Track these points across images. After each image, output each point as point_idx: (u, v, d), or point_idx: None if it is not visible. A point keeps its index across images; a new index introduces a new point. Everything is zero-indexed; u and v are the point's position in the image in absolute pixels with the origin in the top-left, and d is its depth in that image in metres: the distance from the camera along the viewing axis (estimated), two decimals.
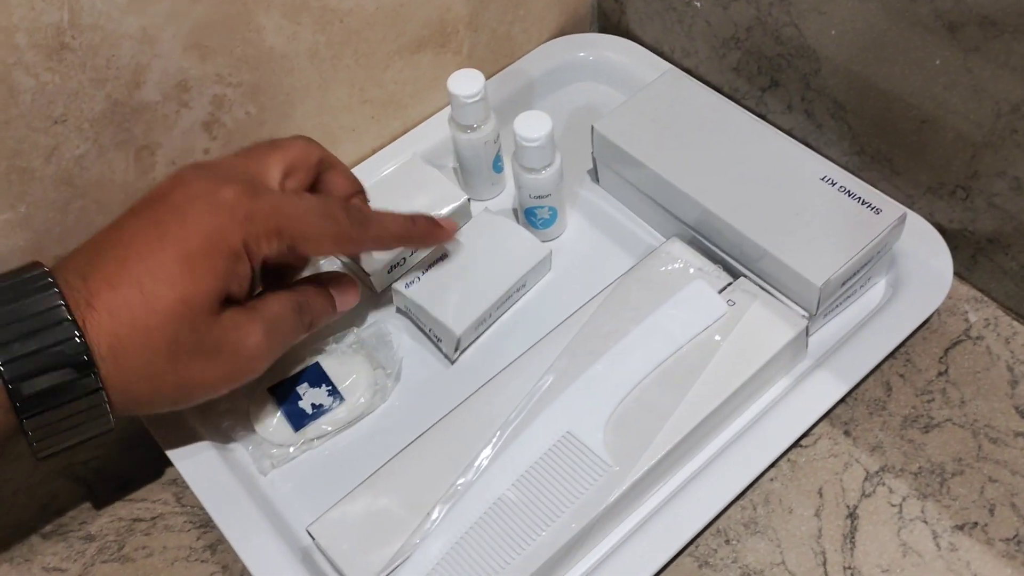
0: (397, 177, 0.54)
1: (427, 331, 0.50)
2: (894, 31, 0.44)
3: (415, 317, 0.51)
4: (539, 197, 0.51)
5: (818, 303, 0.45)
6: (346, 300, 0.46)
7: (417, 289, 0.49)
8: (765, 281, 0.47)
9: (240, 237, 0.38)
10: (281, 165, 0.42)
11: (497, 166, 0.54)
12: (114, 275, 0.37)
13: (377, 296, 0.52)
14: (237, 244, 0.38)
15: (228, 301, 0.40)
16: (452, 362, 0.49)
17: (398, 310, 0.52)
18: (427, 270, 0.49)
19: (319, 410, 0.47)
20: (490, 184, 0.55)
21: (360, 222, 0.43)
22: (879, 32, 0.45)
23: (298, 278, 0.46)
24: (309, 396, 0.47)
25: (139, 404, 0.39)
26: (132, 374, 0.37)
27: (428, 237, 0.47)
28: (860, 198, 0.46)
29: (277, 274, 0.45)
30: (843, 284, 0.45)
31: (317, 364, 0.48)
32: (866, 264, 0.46)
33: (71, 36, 0.41)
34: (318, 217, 0.41)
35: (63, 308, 0.35)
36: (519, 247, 0.51)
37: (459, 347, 0.49)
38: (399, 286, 0.49)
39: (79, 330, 0.35)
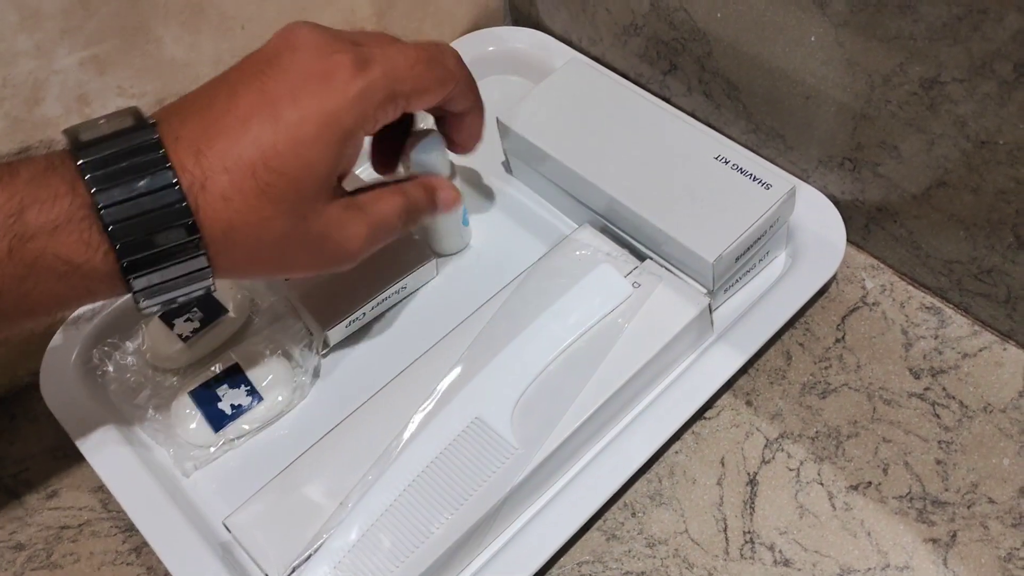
0: None
1: (305, 325, 0.51)
2: (770, 10, 0.46)
3: (296, 311, 0.52)
4: None
5: (713, 278, 0.46)
6: (447, 204, 0.48)
7: (296, 283, 0.50)
8: (668, 262, 0.49)
9: (354, 117, 0.38)
10: None
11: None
12: (228, 156, 0.36)
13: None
14: (351, 125, 0.38)
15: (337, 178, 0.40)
16: (322, 357, 0.51)
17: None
18: None
19: (238, 410, 0.48)
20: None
21: (459, 62, 0.44)
22: (758, 12, 0.46)
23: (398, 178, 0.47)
24: (228, 397, 0.48)
25: (237, 276, 0.40)
26: (238, 257, 0.38)
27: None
28: (752, 175, 0.47)
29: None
30: (738, 259, 0.47)
31: (236, 365, 0.49)
32: (760, 238, 0.47)
33: None
34: (425, 67, 0.41)
35: (178, 189, 0.35)
36: (404, 251, 0.52)
37: (327, 344, 0.50)
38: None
39: (192, 216, 0.35)
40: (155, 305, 0.38)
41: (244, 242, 0.37)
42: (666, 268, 0.48)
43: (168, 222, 0.35)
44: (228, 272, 0.38)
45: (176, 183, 0.35)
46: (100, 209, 0.34)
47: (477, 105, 0.46)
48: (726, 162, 0.48)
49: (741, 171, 0.48)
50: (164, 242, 0.35)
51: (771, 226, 0.47)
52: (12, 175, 0.34)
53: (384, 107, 0.39)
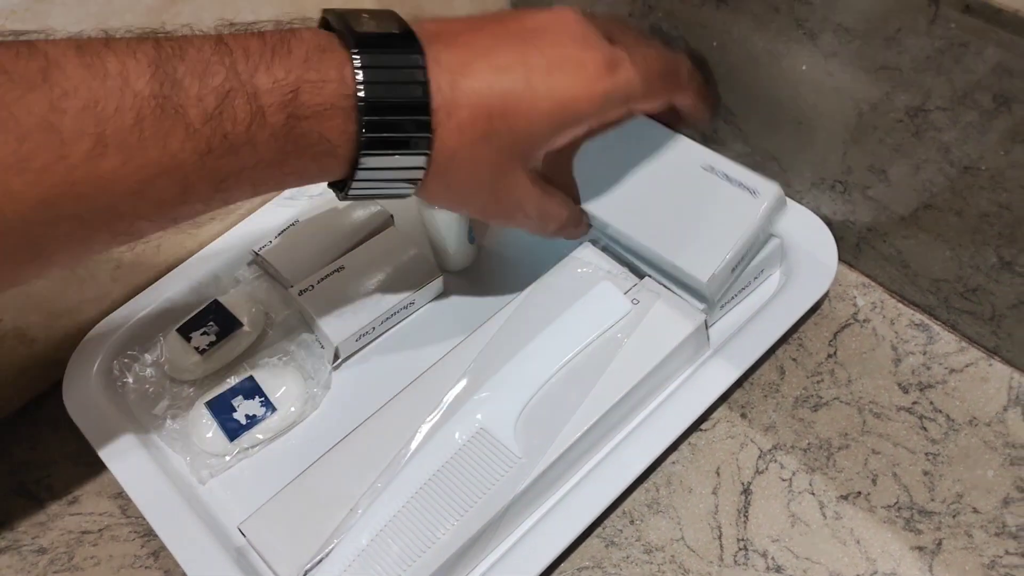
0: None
1: (317, 338, 0.53)
2: (764, 41, 0.48)
3: (308, 324, 0.54)
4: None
5: (708, 296, 0.48)
6: (574, 237, 0.52)
7: (309, 297, 0.52)
8: (666, 279, 0.51)
9: (589, 111, 0.41)
10: None
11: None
12: (476, 94, 0.39)
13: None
14: (584, 116, 0.41)
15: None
16: (333, 369, 0.53)
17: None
18: (322, 281, 0.53)
19: (253, 420, 0.50)
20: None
21: (691, 73, 0.48)
22: (752, 42, 0.48)
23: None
24: (243, 408, 0.51)
25: (429, 199, 0.43)
26: (445, 182, 0.41)
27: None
28: (739, 182, 0.49)
29: None
30: (733, 269, 0.48)
31: (251, 377, 0.51)
32: (752, 247, 0.48)
33: None
34: (661, 80, 0.45)
35: (428, 109, 0.38)
36: (412, 268, 0.54)
37: (338, 356, 0.52)
38: (293, 292, 0.52)
39: (431, 137, 0.38)
40: (357, 195, 0.40)
41: (455, 172, 0.40)
42: (664, 285, 0.50)
43: (409, 134, 0.38)
44: (426, 192, 0.42)
45: (429, 103, 0.38)
46: (362, 103, 0.36)
47: (698, 106, 0.49)
48: (713, 171, 0.50)
49: (728, 179, 0.49)
50: (396, 154, 0.38)
51: (759, 237, 0.49)
52: (287, 50, 0.35)
53: (617, 110, 0.43)
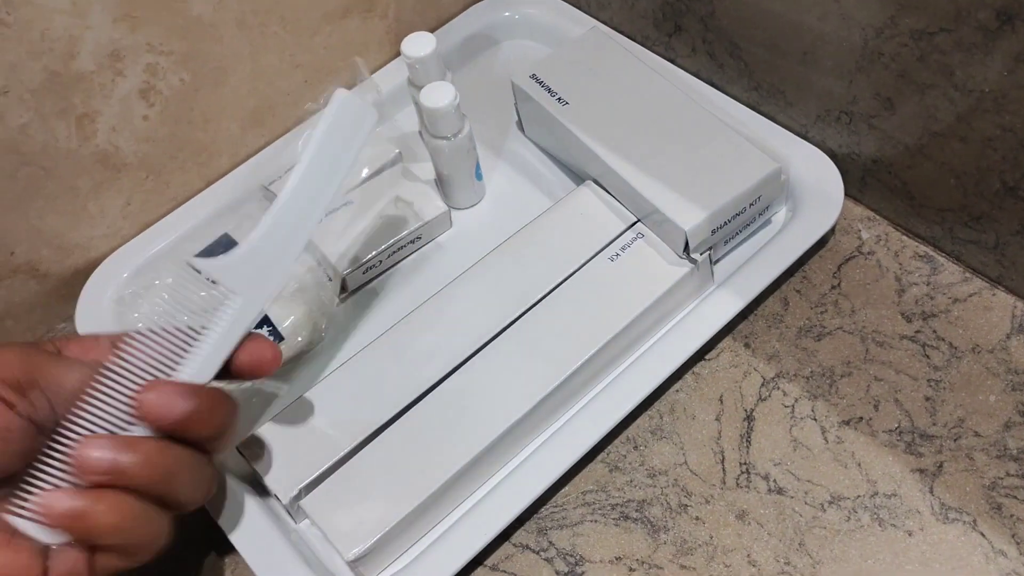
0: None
1: (325, 270, 0.53)
2: None
3: (316, 256, 0.54)
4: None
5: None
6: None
7: (318, 229, 0.52)
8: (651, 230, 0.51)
9: None
10: None
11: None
12: None
13: None
14: None
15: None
16: (341, 301, 0.53)
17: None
18: (330, 214, 0.53)
19: None
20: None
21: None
22: None
23: None
24: None
25: None
26: None
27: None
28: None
29: None
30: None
31: None
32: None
33: (5, 12, 0.45)
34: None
35: None
36: (422, 203, 0.54)
37: (345, 288, 0.53)
38: None
39: None
40: None
41: None
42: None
43: None
44: None
45: None
46: None
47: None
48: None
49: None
50: None
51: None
52: None
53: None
